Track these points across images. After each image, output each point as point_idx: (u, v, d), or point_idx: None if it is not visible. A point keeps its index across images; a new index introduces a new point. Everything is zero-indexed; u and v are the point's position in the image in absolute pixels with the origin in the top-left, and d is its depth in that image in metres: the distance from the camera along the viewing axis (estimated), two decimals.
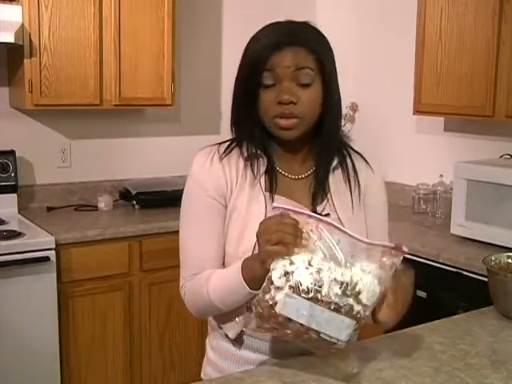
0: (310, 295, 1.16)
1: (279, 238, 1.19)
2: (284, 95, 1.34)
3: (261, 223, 1.24)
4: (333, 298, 1.16)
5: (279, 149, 1.46)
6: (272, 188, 1.43)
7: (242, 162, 1.45)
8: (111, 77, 3.23)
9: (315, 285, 1.16)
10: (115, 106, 3.29)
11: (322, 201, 1.44)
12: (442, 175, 3.35)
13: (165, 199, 3.46)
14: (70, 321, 2.93)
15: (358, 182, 1.48)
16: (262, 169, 1.44)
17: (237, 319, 1.42)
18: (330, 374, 1.32)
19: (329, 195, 1.44)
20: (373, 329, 1.37)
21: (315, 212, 1.37)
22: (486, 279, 1.80)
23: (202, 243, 1.43)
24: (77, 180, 3.56)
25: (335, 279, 1.16)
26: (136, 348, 3.14)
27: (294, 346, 1.31)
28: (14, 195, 3.28)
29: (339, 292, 1.16)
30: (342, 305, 1.16)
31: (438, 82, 3.10)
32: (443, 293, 2.70)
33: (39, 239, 2.82)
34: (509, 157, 3.08)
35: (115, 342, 3.07)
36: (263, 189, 1.42)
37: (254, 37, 1.45)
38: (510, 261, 1.83)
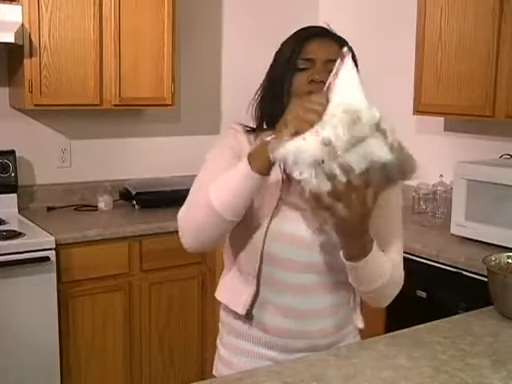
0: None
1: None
2: (316, 75, 1.44)
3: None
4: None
5: None
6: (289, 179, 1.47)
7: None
8: (111, 77, 3.23)
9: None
10: (115, 106, 3.29)
11: None
12: (442, 175, 3.35)
13: (165, 199, 3.45)
14: (70, 321, 2.93)
15: None
16: None
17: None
18: (330, 373, 1.32)
19: None
20: None
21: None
22: (486, 279, 1.80)
23: (215, 176, 1.41)
24: (77, 180, 3.56)
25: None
26: (136, 348, 3.14)
27: (303, 342, 1.46)
28: (14, 195, 3.28)
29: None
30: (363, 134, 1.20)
31: (437, 82, 3.10)
32: (443, 293, 2.70)
33: (39, 239, 2.82)
34: (509, 157, 3.07)
35: (115, 342, 3.07)
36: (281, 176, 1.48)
37: (298, 30, 1.55)
38: (510, 261, 1.83)
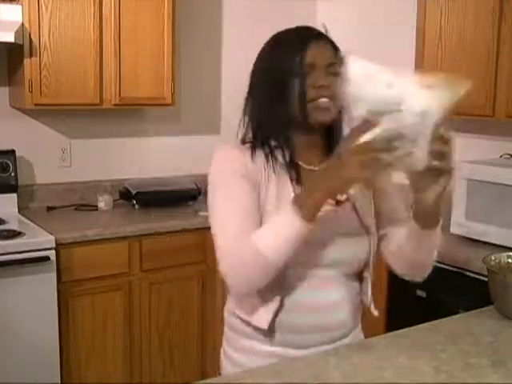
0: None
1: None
2: (323, 79, 1.43)
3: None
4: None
5: (298, 142, 1.51)
6: (297, 179, 1.48)
7: (263, 157, 1.49)
8: (111, 76, 3.23)
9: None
10: (115, 105, 3.29)
11: None
12: None
13: (165, 199, 3.46)
14: (70, 320, 2.93)
15: None
16: (283, 161, 1.49)
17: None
18: (330, 373, 1.32)
19: None
20: None
21: (335, 199, 1.48)
22: (486, 279, 1.80)
23: (242, 213, 1.42)
24: (77, 180, 3.56)
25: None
26: (136, 348, 3.14)
27: (321, 336, 1.49)
28: (14, 195, 3.27)
29: None
30: None
31: None
32: (443, 293, 2.70)
33: (39, 239, 2.82)
34: (509, 157, 3.07)
35: (115, 342, 3.07)
36: (289, 182, 1.47)
37: (282, 33, 1.52)
38: (510, 261, 1.83)
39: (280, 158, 1.49)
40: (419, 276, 1.57)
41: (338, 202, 1.51)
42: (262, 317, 1.48)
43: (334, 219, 1.48)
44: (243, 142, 1.53)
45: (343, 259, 1.51)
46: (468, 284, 2.59)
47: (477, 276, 2.52)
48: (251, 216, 1.42)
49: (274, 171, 1.48)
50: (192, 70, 3.85)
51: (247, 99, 1.55)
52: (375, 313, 1.62)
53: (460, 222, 2.86)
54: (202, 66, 3.90)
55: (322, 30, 1.50)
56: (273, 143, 1.50)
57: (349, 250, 1.51)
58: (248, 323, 1.52)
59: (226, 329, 1.64)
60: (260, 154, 1.49)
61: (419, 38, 3.17)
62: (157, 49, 3.35)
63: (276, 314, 1.48)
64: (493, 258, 1.82)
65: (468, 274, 2.59)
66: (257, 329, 1.51)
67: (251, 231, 1.38)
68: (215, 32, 3.93)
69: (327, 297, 1.51)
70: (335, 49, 1.49)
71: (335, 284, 1.52)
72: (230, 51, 3.95)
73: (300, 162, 1.51)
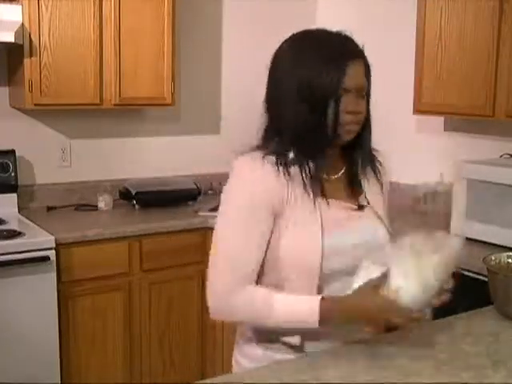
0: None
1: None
2: (360, 107, 1.45)
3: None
4: None
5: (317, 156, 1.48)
6: (322, 193, 1.47)
7: (290, 171, 1.44)
8: (111, 76, 3.23)
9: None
10: (115, 105, 3.29)
11: (359, 195, 1.55)
12: (442, 175, 3.34)
13: (165, 199, 3.45)
14: (70, 321, 2.93)
15: (382, 182, 1.61)
16: (308, 174, 1.45)
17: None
18: (330, 373, 1.32)
19: (363, 191, 1.56)
20: None
21: (358, 204, 1.52)
22: (486, 279, 1.80)
23: (253, 251, 1.43)
24: (77, 180, 3.56)
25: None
26: (136, 348, 3.14)
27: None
28: (14, 195, 3.27)
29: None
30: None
31: (438, 82, 3.10)
32: None
33: (39, 239, 2.82)
34: (509, 156, 3.07)
35: (115, 342, 3.07)
36: (312, 194, 1.46)
37: (322, 39, 1.45)
38: (510, 261, 1.83)
39: (306, 172, 1.45)
40: None
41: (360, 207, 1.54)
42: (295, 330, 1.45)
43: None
44: (262, 151, 1.46)
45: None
46: (468, 284, 2.58)
47: (477, 276, 2.52)
48: (258, 256, 1.44)
49: (304, 185, 1.45)
50: (192, 69, 3.85)
51: (274, 106, 1.47)
52: None
53: (460, 222, 2.86)
54: (201, 66, 3.90)
55: (360, 45, 1.46)
56: (301, 158, 1.45)
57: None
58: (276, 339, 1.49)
59: (240, 341, 1.59)
60: (285, 168, 1.44)
61: (419, 38, 3.17)
62: (157, 48, 3.35)
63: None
64: (493, 258, 1.82)
65: (468, 273, 2.59)
66: (285, 343, 1.48)
67: (252, 276, 1.43)
68: (215, 32, 3.93)
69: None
70: (367, 67, 1.47)
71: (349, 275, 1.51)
72: (229, 51, 3.94)
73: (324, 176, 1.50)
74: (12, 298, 2.73)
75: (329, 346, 1.46)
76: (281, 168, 1.43)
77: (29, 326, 2.77)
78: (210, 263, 1.46)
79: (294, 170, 1.45)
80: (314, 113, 1.40)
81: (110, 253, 3.01)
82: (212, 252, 1.46)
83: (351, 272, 1.42)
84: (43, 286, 2.79)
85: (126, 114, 3.66)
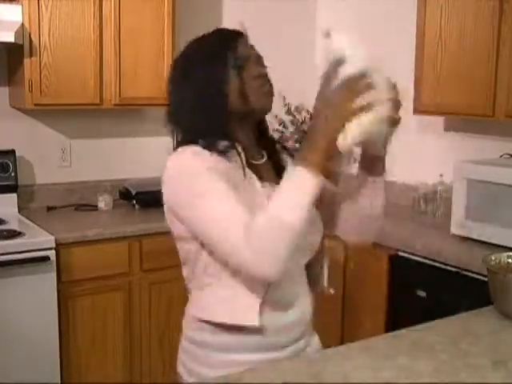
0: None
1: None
2: (262, 68, 1.49)
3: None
4: None
5: (242, 139, 1.53)
6: (259, 175, 1.50)
7: (218, 157, 1.46)
8: (111, 76, 3.23)
9: None
10: (115, 105, 3.29)
11: None
12: (442, 175, 3.35)
13: None
14: (70, 321, 2.93)
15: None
16: (238, 159, 1.48)
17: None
18: (329, 373, 1.32)
19: None
20: None
21: None
22: (486, 279, 1.80)
23: (239, 205, 1.36)
24: (77, 180, 3.56)
25: None
26: (136, 348, 3.14)
27: (299, 329, 1.49)
28: (14, 195, 3.27)
29: None
30: None
31: (438, 82, 3.10)
32: (443, 293, 2.70)
33: (39, 239, 2.83)
34: (509, 157, 3.07)
35: (115, 342, 3.07)
36: (252, 178, 1.48)
37: (207, 35, 1.64)
38: (510, 261, 1.83)
39: (242, 156, 1.48)
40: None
41: None
42: (247, 315, 1.43)
43: None
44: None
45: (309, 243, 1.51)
46: (468, 284, 2.59)
47: (477, 276, 2.52)
48: (244, 207, 1.36)
49: (243, 168, 1.47)
50: None
51: (175, 105, 1.64)
52: (332, 291, 1.63)
53: (460, 222, 2.86)
54: None
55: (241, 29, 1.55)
56: (222, 144, 1.48)
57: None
58: (225, 327, 1.46)
59: (192, 347, 1.56)
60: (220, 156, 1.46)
61: (419, 37, 3.17)
62: (157, 48, 3.35)
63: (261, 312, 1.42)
64: (493, 258, 1.82)
65: (468, 273, 2.59)
66: (240, 332, 1.44)
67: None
68: None
69: (300, 289, 1.53)
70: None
71: (302, 269, 1.56)
72: None
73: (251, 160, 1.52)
74: (12, 298, 2.73)
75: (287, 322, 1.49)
76: (217, 155, 1.46)
77: (29, 326, 2.77)
78: (221, 249, 1.39)
79: (230, 156, 1.47)
80: (218, 91, 1.48)
81: (109, 253, 3.01)
82: (216, 239, 1.39)
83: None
84: (43, 285, 2.79)
85: (126, 114, 3.66)
